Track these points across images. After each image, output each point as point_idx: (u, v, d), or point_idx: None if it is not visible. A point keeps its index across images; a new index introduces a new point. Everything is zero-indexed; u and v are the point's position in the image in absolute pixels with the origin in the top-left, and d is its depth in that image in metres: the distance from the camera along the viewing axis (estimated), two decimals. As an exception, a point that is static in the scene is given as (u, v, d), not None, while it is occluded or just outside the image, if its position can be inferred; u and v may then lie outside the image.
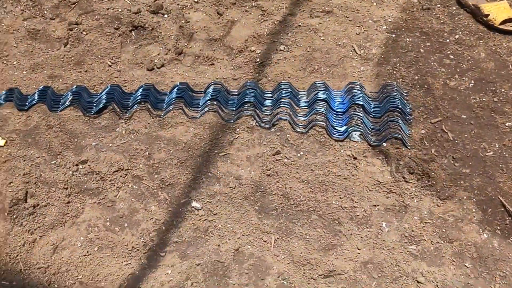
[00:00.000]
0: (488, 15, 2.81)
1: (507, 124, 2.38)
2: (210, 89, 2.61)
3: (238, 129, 2.45)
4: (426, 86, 2.56)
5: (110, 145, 2.41)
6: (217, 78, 2.73)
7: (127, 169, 2.30)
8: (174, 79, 2.75)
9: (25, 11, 3.19)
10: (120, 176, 2.28)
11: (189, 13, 3.10)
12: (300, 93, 2.57)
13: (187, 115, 2.49)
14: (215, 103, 2.57)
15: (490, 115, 2.42)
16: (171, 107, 2.52)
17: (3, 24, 3.09)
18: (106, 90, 2.61)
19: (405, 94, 2.54)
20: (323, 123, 2.43)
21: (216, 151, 2.36)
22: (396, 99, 2.48)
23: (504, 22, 2.78)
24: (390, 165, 2.28)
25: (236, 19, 3.02)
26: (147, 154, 2.35)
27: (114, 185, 2.26)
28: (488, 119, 2.41)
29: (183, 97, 2.56)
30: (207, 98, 2.55)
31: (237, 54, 2.86)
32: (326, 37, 2.84)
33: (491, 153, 2.27)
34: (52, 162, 2.35)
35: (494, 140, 2.32)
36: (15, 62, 2.88)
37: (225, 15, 3.07)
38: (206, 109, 2.52)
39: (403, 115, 2.44)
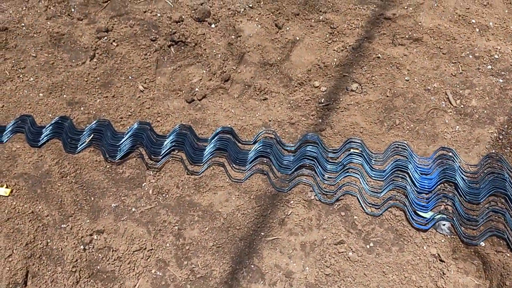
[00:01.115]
0: None
1: None
2: (260, 140, 2.07)
3: (292, 201, 1.93)
4: (544, 163, 1.92)
5: (133, 210, 1.95)
6: (269, 121, 2.18)
7: (151, 249, 1.84)
8: (217, 116, 2.22)
9: (50, 8, 2.68)
10: (142, 258, 1.83)
11: (241, 22, 2.52)
12: (375, 157, 1.99)
13: (230, 177, 1.97)
14: (265, 161, 2.03)
15: None
16: (209, 162, 2.01)
17: (23, 24, 2.61)
18: (134, 128, 2.12)
19: (514, 171, 1.92)
20: (402, 204, 1.87)
21: (262, 233, 1.86)
22: (503, 179, 1.87)
23: None
24: (489, 278, 1.71)
25: (298, 38, 2.42)
26: (177, 230, 1.88)
27: (134, 269, 1.81)
28: None
29: (226, 149, 2.04)
30: (256, 153, 2.02)
31: (296, 87, 2.29)
32: (412, 77, 2.20)
33: None
34: (62, 226, 1.92)
35: None
36: (31, 79, 2.42)
37: (284, 29, 2.47)
38: (253, 169, 1.99)
39: (511, 204, 1.83)
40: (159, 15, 2.56)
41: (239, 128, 2.18)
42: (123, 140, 2.10)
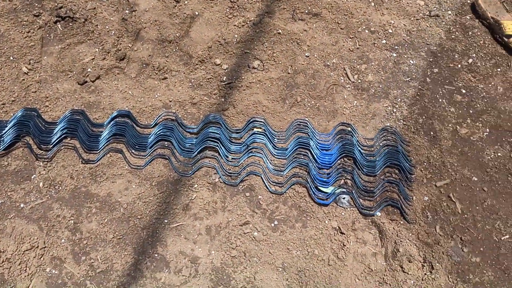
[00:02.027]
0: (510, 36, 2.26)
1: (526, 194, 1.95)
2: (160, 123, 1.97)
3: (196, 185, 1.88)
4: (432, 133, 2.05)
5: (22, 206, 1.78)
6: (170, 101, 2.09)
7: (44, 247, 1.70)
8: (113, 99, 2.08)
9: None
10: (34, 257, 1.69)
11: (136, -5, 2.34)
12: (277, 135, 1.99)
13: (129, 164, 1.87)
14: (166, 145, 1.94)
15: (507, 179, 1.97)
16: (105, 148, 1.89)
17: None
18: (18, 116, 1.92)
19: (406, 143, 2.02)
20: (305, 181, 1.90)
21: (166, 220, 1.79)
22: (396, 151, 1.97)
23: (527, 46, 2.25)
24: (384, 246, 1.81)
25: (197, 12, 2.31)
26: (73, 224, 1.75)
27: (26, 270, 1.67)
28: (504, 185, 1.96)
29: (124, 134, 1.92)
30: (156, 137, 1.93)
31: (197, 65, 2.20)
32: (312, 53, 2.21)
33: (507, 236, 1.85)
34: None
35: (510, 217, 1.89)
36: None
37: (183, 2, 2.35)
38: (154, 154, 1.90)
39: (404, 175, 1.94)
40: (42, -14, 2.31)
41: (138, 110, 2.06)
42: (6, 129, 1.89)
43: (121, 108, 2.03)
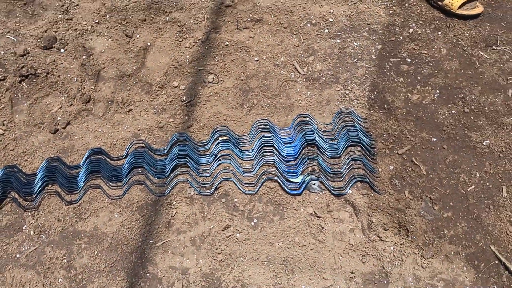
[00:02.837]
0: (443, -1, 2.38)
1: (484, 143, 2.04)
2: (131, 152, 2.10)
3: (174, 202, 1.99)
4: (386, 106, 2.16)
5: (18, 256, 1.90)
6: (139, 130, 2.21)
7: (44, 289, 1.82)
8: (86, 140, 2.21)
9: None
10: (37, 301, 1.81)
11: (91, 40, 2.50)
12: (241, 139, 2.11)
13: (108, 196, 1.99)
14: (140, 171, 2.07)
15: (464, 133, 2.07)
16: (85, 187, 2.01)
17: None
18: (0, 175, 2.05)
19: (363, 120, 2.12)
20: (275, 176, 2.01)
21: (151, 241, 1.90)
22: (355, 130, 2.07)
23: (462, 4, 2.36)
24: (360, 220, 1.91)
25: (149, 43, 2.45)
26: (66, 263, 1.87)
27: (31, 315, 1.78)
28: (462, 139, 2.06)
29: (99, 170, 2.05)
30: (129, 166, 2.05)
31: (158, 91, 2.34)
32: (261, 56, 2.34)
33: (473, 186, 1.93)
34: None
35: (473, 168, 1.98)
36: None
37: (135, 37, 2.49)
38: (130, 182, 2.03)
39: (366, 150, 2.04)
40: (2, 52, 2.46)
41: (109, 145, 2.18)
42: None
43: (93, 146, 2.15)
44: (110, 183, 2.04)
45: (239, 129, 2.16)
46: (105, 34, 2.53)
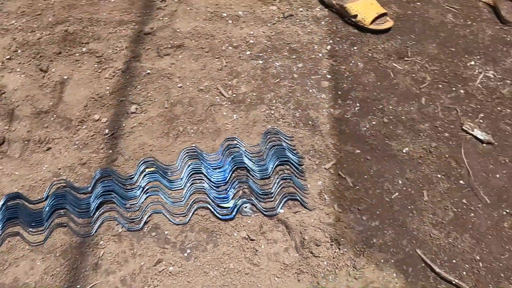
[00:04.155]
0: (356, 15, 2.48)
1: (404, 151, 2.13)
2: (52, 193, 1.99)
3: (101, 242, 1.90)
4: (310, 123, 2.20)
5: None
6: (59, 169, 2.10)
7: None
8: (2, 184, 2.08)
9: None
10: None
11: (2, 77, 2.37)
12: (169, 169, 2.06)
13: (29, 243, 1.87)
14: (62, 212, 1.96)
15: (385, 143, 2.14)
16: (2, 236, 1.88)
17: None
18: None
19: (289, 139, 2.15)
20: (206, 203, 1.97)
21: (78, 286, 1.80)
22: (283, 149, 2.09)
23: (374, 20, 2.47)
24: (293, 239, 1.91)
25: (66, 76, 2.36)
26: (-16, 322, 1.72)
27: None
28: (384, 149, 2.13)
29: (17, 216, 1.92)
30: (51, 208, 1.94)
31: (78, 126, 2.25)
32: (184, 82, 2.32)
33: (396, 193, 2.00)
34: None
35: (395, 176, 2.05)
36: None
37: (51, 71, 2.39)
38: (52, 226, 1.91)
39: (294, 168, 2.06)
40: None
41: (28, 188, 2.06)
42: None
43: (10, 191, 2.02)
44: (30, 229, 1.92)
45: (166, 159, 2.11)
46: (18, 70, 2.41)
